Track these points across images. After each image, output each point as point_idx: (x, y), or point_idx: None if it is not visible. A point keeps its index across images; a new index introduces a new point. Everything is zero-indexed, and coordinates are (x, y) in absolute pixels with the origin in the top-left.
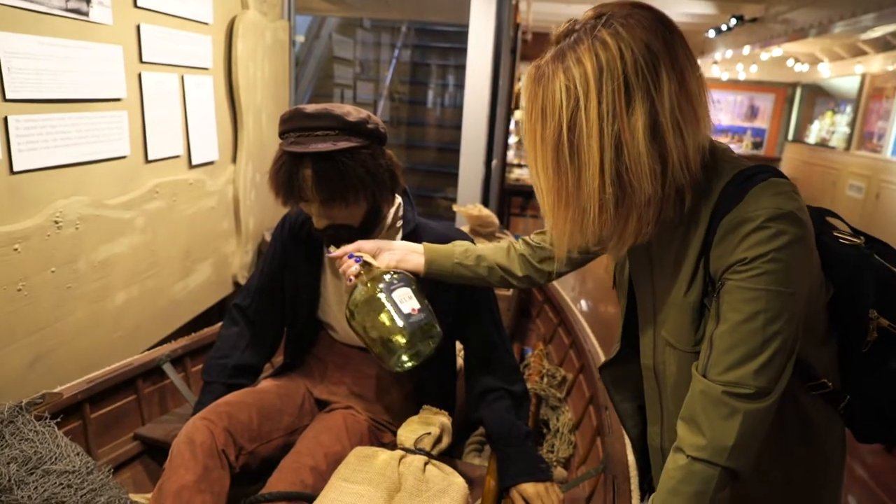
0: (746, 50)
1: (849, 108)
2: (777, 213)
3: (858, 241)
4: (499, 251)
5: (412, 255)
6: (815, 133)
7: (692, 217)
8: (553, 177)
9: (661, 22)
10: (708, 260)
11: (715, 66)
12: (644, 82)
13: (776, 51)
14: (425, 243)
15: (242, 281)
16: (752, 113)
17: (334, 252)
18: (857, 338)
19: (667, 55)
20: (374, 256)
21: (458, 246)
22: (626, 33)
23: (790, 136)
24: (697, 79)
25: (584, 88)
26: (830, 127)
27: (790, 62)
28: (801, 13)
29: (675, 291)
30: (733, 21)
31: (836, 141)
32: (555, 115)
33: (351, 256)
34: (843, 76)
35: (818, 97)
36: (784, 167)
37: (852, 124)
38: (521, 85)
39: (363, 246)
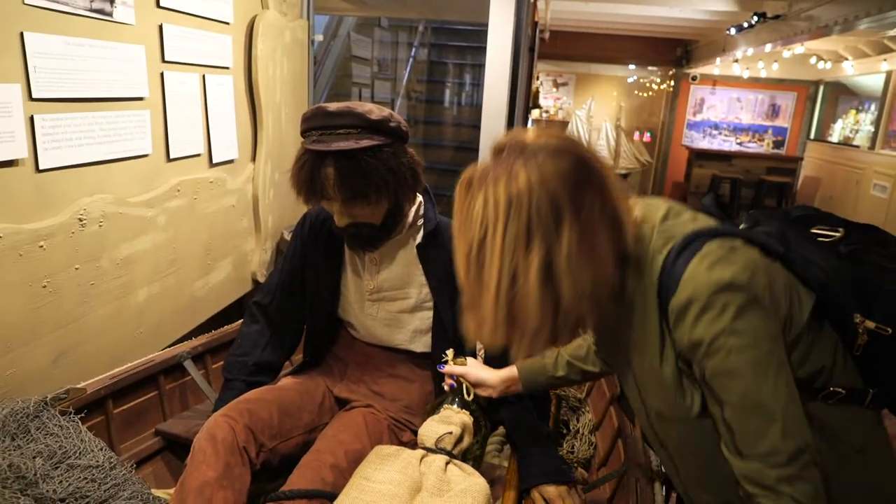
0: (768, 48)
1: (873, 107)
2: (716, 288)
3: (837, 234)
4: (577, 350)
5: (511, 387)
6: (838, 132)
7: (641, 296)
8: (463, 281)
9: (578, 171)
10: (672, 339)
11: (736, 64)
12: (544, 229)
13: (798, 48)
14: (517, 366)
15: (261, 279)
16: (774, 112)
17: (446, 368)
18: (850, 341)
19: (571, 207)
20: (473, 385)
21: (548, 359)
22: (539, 178)
23: (812, 135)
24: (608, 222)
25: (493, 218)
26: (854, 125)
27: (813, 60)
28: (825, 10)
29: (649, 365)
30: (755, 18)
31: (860, 140)
32: (471, 230)
33: (452, 378)
34: (868, 74)
35: (841, 95)
36: (806, 166)
37: (877, 123)
38: (461, 184)
39: (468, 374)
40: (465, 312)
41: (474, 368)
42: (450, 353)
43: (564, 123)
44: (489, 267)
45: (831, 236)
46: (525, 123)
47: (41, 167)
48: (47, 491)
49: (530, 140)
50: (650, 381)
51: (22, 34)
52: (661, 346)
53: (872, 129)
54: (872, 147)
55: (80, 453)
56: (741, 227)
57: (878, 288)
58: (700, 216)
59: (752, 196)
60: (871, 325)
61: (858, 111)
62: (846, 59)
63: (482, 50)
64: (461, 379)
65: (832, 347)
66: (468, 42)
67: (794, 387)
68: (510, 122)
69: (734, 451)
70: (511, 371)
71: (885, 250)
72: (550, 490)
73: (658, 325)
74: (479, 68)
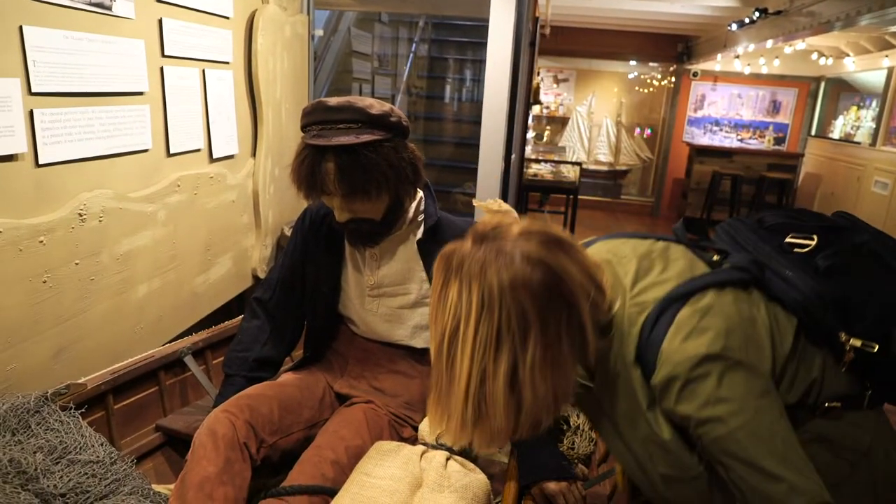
0: (769, 43)
1: (875, 103)
2: (693, 363)
3: (811, 243)
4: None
5: None
6: (839, 128)
7: (623, 370)
8: (434, 365)
9: (549, 285)
10: (662, 410)
11: (737, 60)
12: (512, 337)
13: (800, 44)
14: None
15: (262, 275)
16: (775, 108)
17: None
18: (837, 357)
19: (538, 324)
20: None
21: None
22: (510, 286)
23: (813, 132)
24: (574, 334)
25: (466, 313)
26: (855, 122)
27: (814, 56)
28: (827, 6)
29: (645, 435)
30: (756, 14)
31: (862, 136)
32: (444, 317)
33: None
34: (869, 70)
35: (843, 91)
36: (807, 163)
37: (878, 119)
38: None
39: None
40: (433, 399)
41: None
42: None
43: (565, 120)
44: (460, 363)
45: (806, 245)
46: (526, 119)
47: (41, 162)
48: (48, 486)
49: (511, 238)
50: (650, 448)
51: (21, 28)
52: (654, 415)
53: (874, 126)
54: (874, 144)
55: (80, 448)
56: (716, 242)
57: (857, 303)
58: (671, 252)
59: (752, 193)
60: (857, 343)
61: (860, 108)
62: (847, 55)
63: (483, 45)
64: None
65: (819, 363)
66: (469, 38)
67: (794, 438)
68: (511, 118)
69: None
70: None
71: (861, 256)
72: (551, 486)
73: (647, 397)
74: (479, 64)
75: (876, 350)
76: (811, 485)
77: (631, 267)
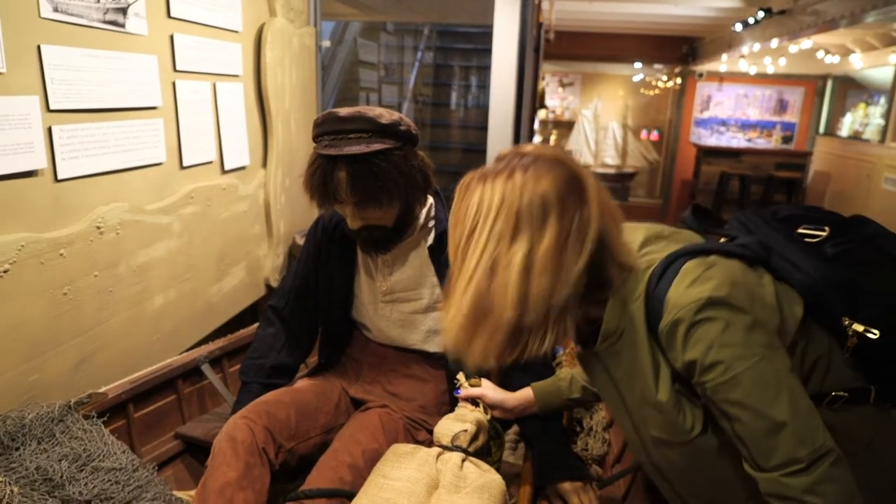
0: (774, 43)
1: (883, 100)
2: (698, 306)
3: (823, 233)
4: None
5: (528, 409)
6: (847, 126)
7: (629, 325)
8: (451, 270)
9: (569, 181)
10: (667, 360)
11: (742, 60)
12: (531, 224)
13: (805, 43)
14: (533, 388)
15: (274, 283)
16: (782, 107)
17: (462, 393)
18: (841, 343)
19: (557, 210)
20: (491, 407)
21: (563, 381)
22: (533, 179)
23: (821, 130)
24: (582, 234)
25: (486, 211)
26: (864, 119)
27: (820, 54)
28: (832, 4)
29: (644, 395)
30: (761, 14)
31: (870, 133)
32: (463, 223)
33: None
34: (877, 66)
35: (850, 89)
36: (816, 161)
37: (887, 115)
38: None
39: (486, 396)
40: (444, 301)
41: (490, 391)
42: (461, 376)
43: (571, 124)
44: (471, 257)
45: (818, 236)
46: (532, 124)
47: (60, 177)
48: (74, 493)
49: (531, 149)
50: (645, 409)
51: (39, 47)
52: (654, 372)
53: (882, 123)
54: (883, 140)
55: (103, 456)
56: (728, 230)
57: (864, 290)
58: (681, 234)
59: (761, 192)
60: (859, 327)
61: (868, 104)
62: (854, 52)
63: (488, 52)
64: (479, 400)
65: (826, 348)
66: (473, 44)
67: (800, 390)
68: (517, 123)
69: (753, 465)
70: (527, 393)
71: (871, 248)
72: (566, 486)
73: (650, 351)
74: (484, 70)
75: (878, 337)
76: (817, 436)
77: (639, 235)
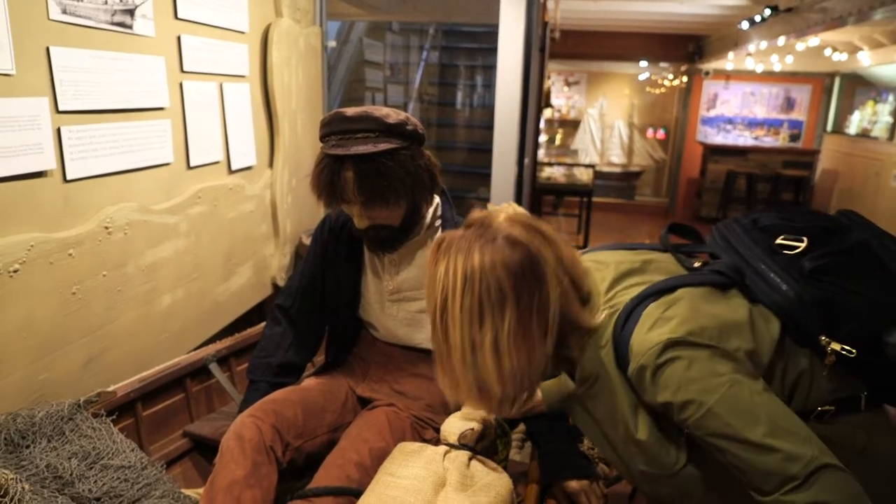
0: (781, 41)
1: (891, 97)
2: (659, 350)
3: (801, 245)
4: None
5: (535, 407)
6: (855, 123)
7: (602, 369)
8: (433, 338)
9: (525, 265)
10: (644, 401)
11: (749, 58)
12: (492, 310)
13: (812, 40)
14: (541, 387)
15: (281, 283)
16: (789, 105)
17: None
18: (821, 359)
19: (513, 295)
20: None
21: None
22: (490, 263)
23: (829, 128)
24: (544, 313)
25: (451, 288)
26: (872, 117)
27: (827, 51)
28: (839, 1)
29: (626, 433)
30: (767, 11)
31: (879, 131)
32: (434, 292)
33: None
34: (885, 64)
35: (858, 86)
36: (823, 159)
37: (895, 113)
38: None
39: None
40: (439, 370)
41: None
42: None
43: (577, 122)
44: (452, 335)
45: (796, 247)
46: (537, 123)
47: (68, 177)
48: (83, 490)
49: (497, 223)
50: (629, 447)
51: (48, 49)
52: (633, 412)
53: (891, 120)
54: (891, 138)
55: (112, 454)
56: (708, 246)
57: (841, 308)
58: (653, 263)
59: (768, 191)
60: (836, 346)
61: (876, 102)
62: (862, 49)
63: (493, 51)
64: None
65: (807, 365)
66: (479, 44)
67: (780, 409)
68: (523, 123)
69: (755, 489)
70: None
71: (852, 258)
72: (573, 484)
73: (626, 392)
74: (490, 70)
75: (855, 355)
76: (805, 450)
77: (608, 274)
